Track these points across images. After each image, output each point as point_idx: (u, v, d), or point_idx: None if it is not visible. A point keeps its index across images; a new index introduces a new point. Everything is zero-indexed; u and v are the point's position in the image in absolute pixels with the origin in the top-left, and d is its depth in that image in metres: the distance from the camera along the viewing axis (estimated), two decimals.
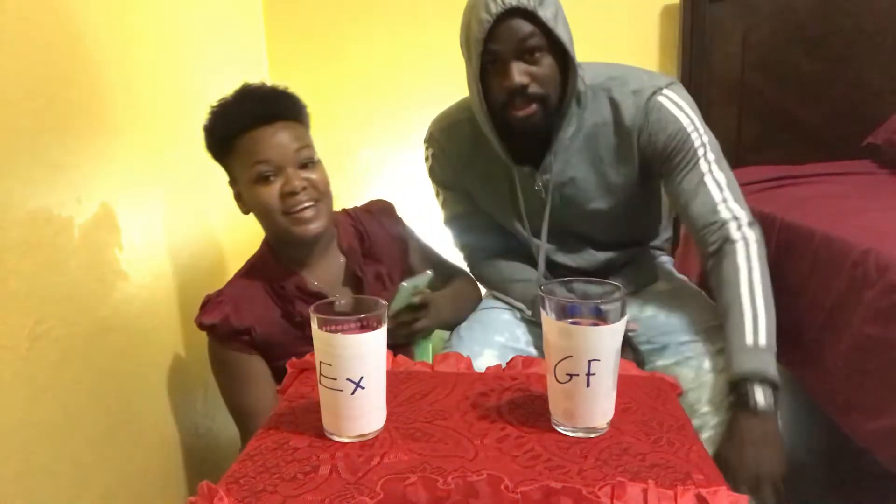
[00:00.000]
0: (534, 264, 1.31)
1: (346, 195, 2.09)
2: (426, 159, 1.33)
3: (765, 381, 0.97)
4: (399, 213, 1.30)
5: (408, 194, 2.02)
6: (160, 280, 1.23)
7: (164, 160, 1.29)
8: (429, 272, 1.11)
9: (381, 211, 1.27)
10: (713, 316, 1.20)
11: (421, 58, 1.96)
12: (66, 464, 0.93)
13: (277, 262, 1.13)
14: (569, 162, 1.17)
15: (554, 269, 1.32)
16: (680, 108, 1.12)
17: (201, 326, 1.09)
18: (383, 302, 0.71)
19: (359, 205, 1.29)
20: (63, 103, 0.97)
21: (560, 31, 1.03)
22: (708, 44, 1.79)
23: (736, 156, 1.80)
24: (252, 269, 1.15)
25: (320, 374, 0.69)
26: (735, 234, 1.08)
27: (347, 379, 0.68)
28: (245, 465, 0.67)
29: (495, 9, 1.00)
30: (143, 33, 1.24)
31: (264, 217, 1.07)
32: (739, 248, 1.06)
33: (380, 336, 0.69)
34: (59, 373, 0.92)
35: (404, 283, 1.06)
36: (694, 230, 1.13)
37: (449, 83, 1.96)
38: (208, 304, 1.11)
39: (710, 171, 1.11)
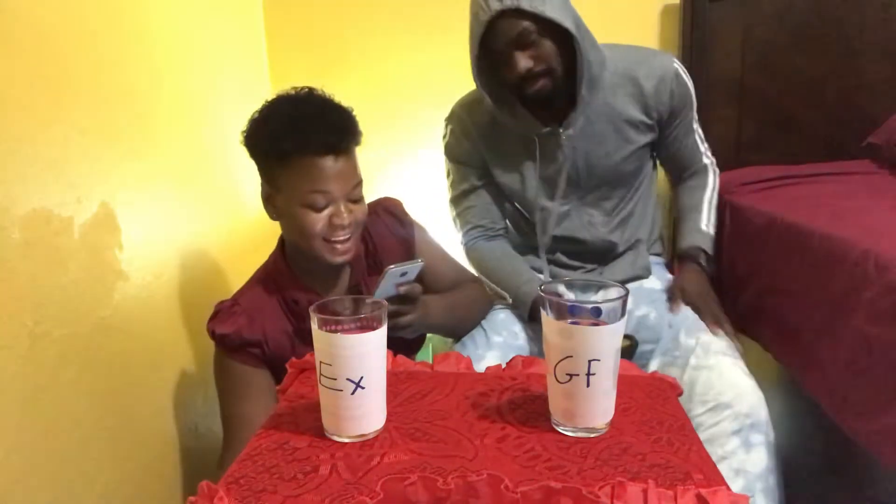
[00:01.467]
0: (534, 241, 1.39)
1: None
2: (444, 136, 1.41)
3: (709, 254, 1.37)
4: (406, 211, 1.27)
5: (409, 195, 2.02)
6: (160, 280, 1.23)
7: (165, 160, 1.29)
8: (420, 260, 1.04)
9: (386, 211, 1.24)
10: (698, 319, 1.25)
11: (422, 58, 1.96)
12: (67, 464, 0.93)
13: (291, 274, 1.12)
14: (589, 118, 1.28)
15: (555, 247, 1.38)
16: (689, 80, 1.34)
17: (213, 335, 1.08)
18: (384, 302, 0.71)
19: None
20: (63, 103, 0.97)
21: (553, 14, 1.13)
22: (708, 44, 1.79)
23: (736, 156, 1.80)
24: (266, 280, 1.14)
25: (320, 374, 0.69)
26: (709, 167, 1.45)
27: (347, 379, 0.68)
28: (245, 465, 0.67)
29: (483, 16, 1.13)
30: (143, 34, 1.24)
31: (300, 237, 1.06)
32: (710, 172, 1.45)
33: (380, 336, 0.69)
34: (59, 373, 0.92)
35: (391, 268, 0.99)
36: (678, 170, 1.46)
37: (450, 83, 1.96)
38: (221, 312, 1.10)
39: (697, 131, 1.41)
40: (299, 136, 1.00)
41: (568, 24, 1.14)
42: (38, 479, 0.87)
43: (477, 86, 1.24)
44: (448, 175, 1.44)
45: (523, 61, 1.16)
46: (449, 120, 1.40)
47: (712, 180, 1.44)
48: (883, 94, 1.71)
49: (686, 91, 1.33)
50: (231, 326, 1.07)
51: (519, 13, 1.11)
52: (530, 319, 1.29)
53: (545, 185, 1.34)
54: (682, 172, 1.46)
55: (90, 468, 0.98)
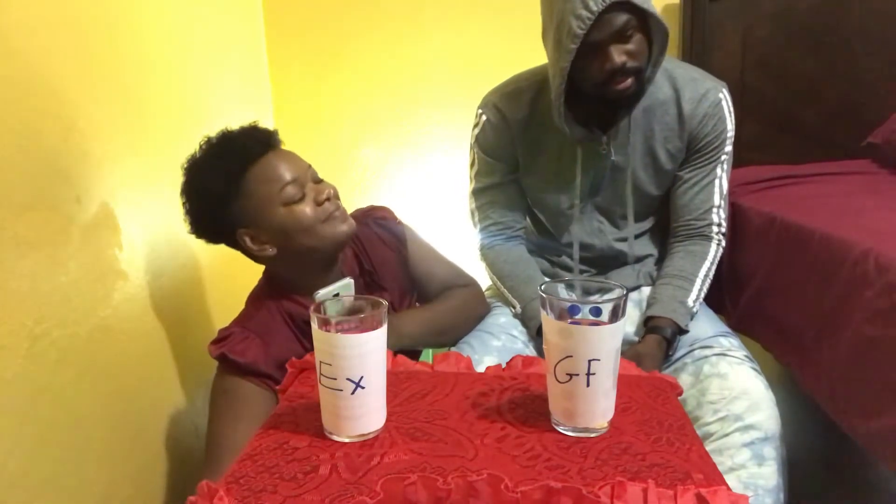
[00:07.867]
0: (556, 247, 1.36)
1: (347, 194, 2.08)
2: (476, 125, 1.34)
3: (683, 333, 1.21)
4: (397, 216, 1.25)
5: (409, 193, 2.03)
6: (160, 280, 1.23)
7: (164, 160, 1.29)
8: (348, 279, 1.04)
9: (376, 222, 1.21)
10: (712, 326, 1.24)
11: (421, 56, 1.96)
12: (67, 463, 0.93)
13: (293, 294, 1.08)
14: (627, 135, 1.24)
15: (562, 250, 1.35)
16: (730, 114, 1.27)
17: (224, 358, 1.03)
18: (384, 302, 0.71)
19: (356, 209, 1.25)
20: (62, 103, 0.97)
21: (651, 8, 1.08)
22: (708, 44, 1.79)
23: (736, 156, 1.79)
24: (268, 305, 1.09)
25: (320, 374, 0.69)
26: (715, 236, 1.30)
27: (347, 379, 0.68)
28: (245, 465, 0.67)
29: (595, 6, 1.04)
30: (143, 33, 1.24)
31: (301, 237, 1.01)
32: (714, 245, 1.30)
33: (380, 336, 0.69)
34: (59, 373, 0.92)
35: (318, 292, 0.98)
36: (682, 213, 1.30)
37: (449, 81, 1.96)
38: (233, 337, 1.04)
39: (720, 179, 1.29)
40: (237, 154, 1.01)
41: (661, 21, 1.10)
42: (38, 479, 0.87)
43: (557, 82, 1.14)
44: (472, 165, 1.37)
45: (618, 55, 1.09)
46: (484, 109, 1.31)
47: (714, 253, 1.29)
48: (883, 94, 1.71)
49: (721, 124, 1.25)
50: (250, 356, 1.03)
51: (624, 5, 1.06)
52: (537, 334, 1.25)
53: (572, 191, 1.29)
54: (681, 219, 1.31)
55: (90, 468, 0.98)
